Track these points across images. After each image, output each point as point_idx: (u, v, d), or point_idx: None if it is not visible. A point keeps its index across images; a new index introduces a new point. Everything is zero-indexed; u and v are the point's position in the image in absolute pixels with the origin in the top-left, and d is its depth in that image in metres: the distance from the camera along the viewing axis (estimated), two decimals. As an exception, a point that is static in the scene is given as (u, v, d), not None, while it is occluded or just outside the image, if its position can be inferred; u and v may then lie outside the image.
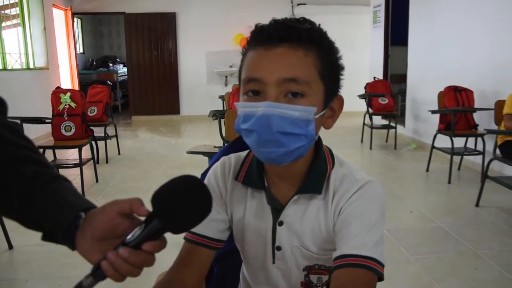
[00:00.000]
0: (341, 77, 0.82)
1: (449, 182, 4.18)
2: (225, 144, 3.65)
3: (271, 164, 0.81)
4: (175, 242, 0.71)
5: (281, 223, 0.85)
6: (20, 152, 0.69)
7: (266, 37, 0.75)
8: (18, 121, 0.75)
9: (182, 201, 0.61)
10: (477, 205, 3.49)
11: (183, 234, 0.85)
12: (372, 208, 0.79)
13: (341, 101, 0.83)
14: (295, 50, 0.74)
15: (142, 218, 0.64)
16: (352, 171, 0.85)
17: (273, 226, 0.85)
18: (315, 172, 0.83)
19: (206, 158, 3.34)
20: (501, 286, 2.29)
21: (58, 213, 0.65)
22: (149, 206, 0.63)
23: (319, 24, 0.79)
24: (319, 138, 0.85)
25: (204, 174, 1.01)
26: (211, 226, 0.86)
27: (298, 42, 0.74)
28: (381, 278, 0.74)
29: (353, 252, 0.74)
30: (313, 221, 0.83)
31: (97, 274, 0.61)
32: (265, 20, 0.79)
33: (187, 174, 0.64)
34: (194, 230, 0.84)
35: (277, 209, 0.85)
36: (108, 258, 0.60)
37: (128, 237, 0.62)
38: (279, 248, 0.86)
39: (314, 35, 0.76)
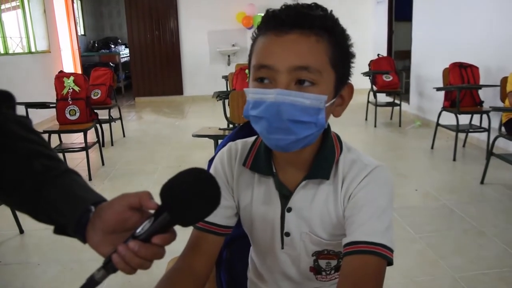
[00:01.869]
0: (352, 65, 0.81)
1: (454, 159, 4.18)
2: (230, 126, 3.67)
3: (279, 151, 0.81)
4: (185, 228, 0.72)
5: (289, 209, 0.85)
6: (30, 147, 0.70)
7: (278, 22, 0.74)
8: (26, 115, 0.75)
9: (191, 194, 0.61)
10: (482, 182, 3.49)
11: None
12: (381, 193, 0.79)
13: (351, 89, 0.82)
14: (307, 37, 0.73)
15: (152, 211, 0.65)
16: (360, 156, 0.85)
17: (282, 212, 0.86)
18: (323, 157, 0.83)
19: (211, 140, 3.35)
20: (505, 263, 2.31)
21: (68, 207, 0.66)
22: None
23: (331, 11, 0.78)
24: (328, 124, 0.85)
25: (212, 161, 1.01)
26: (218, 213, 0.86)
27: (310, 29, 0.73)
28: (390, 263, 0.75)
29: (363, 238, 0.75)
30: (322, 207, 0.83)
31: (108, 267, 0.62)
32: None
33: (196, 167, 0.64)
34: None
35: (285, 195, 0.85)
36: (119, 251, 0.62)
37: (138, 230, 0.63)
38: (287, 234, 0.87)
39: (327, 21, 0.75)
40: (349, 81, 0.82)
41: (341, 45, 0.77)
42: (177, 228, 0.65)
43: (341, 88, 0.79)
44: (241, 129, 1.09)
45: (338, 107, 0.82)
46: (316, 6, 0.76)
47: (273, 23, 0.75)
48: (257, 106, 0.74)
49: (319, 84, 0.73)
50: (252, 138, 0.92)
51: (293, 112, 0.72)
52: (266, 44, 0.75)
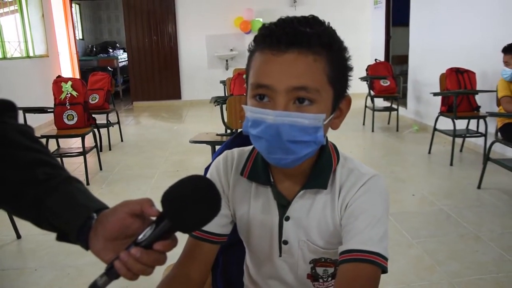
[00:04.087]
0: (350, 77, 0.81)
1: (451, 164, 4.20)
2: (227, 131, 3.68)
3: (280, 167, 0.82)
4: (179, 233, 0.72)
5: (287, 218, 0.86)
6: (33, 156, 0.71)
7: (274, 41, 0.73)
8: (24, 120, 0.76)
9: (191, 201, 0.62)
10: (479, 187, 3.51)
11: None
12: (377, 202, 0.80)
13: (348, 101, 0.83)
14: (304, 56, 0.72)
15: (153, 218, 0.65)
16: (357, 165, 0.86)
17: (280, 221, 0.87)
18: (321, 167, 0.84)
19: (209, 145, 3.36)
20: (501, 268, 2.32)
21: (70, 215, 0.67)
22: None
23: (329, 23, 0.77)
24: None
25: (209, 168, 1.02)
26: (213, 222, 0.86)
27: (308, 48, 0.72)
28: (384, 271, 0.76)
29: (359, 247, 0.76)
30: (319, 216, 0.85)
31: (111, 273, 0.63)
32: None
33: (196, 174, 0.66)
34: None
35: (283, 204, 0.86)
36: (121, 258, 0.62)
37: (140, 237, 0.64)
38: (285, 242, 0.88)
39: (324, 38, 0.74)
40: (347, 94, 0.82)
41: (338, 61, 0.77)
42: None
43: (339, 102, 0.80)
44: (237, 137, 1.09)
45: (336, 120, 0.82)
46: (313, 19, 0.76)
47: (269, 41, 0.73)
48: (256, 126, 0.74)
49: (318, 102, 0.74)
50: (249, 147, 0.92)
51: (293, 133, 0.72)
52: (263, 63, 0.74)
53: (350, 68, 0.80)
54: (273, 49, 0.73)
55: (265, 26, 0.76)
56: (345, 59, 0.79)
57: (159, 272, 0.96)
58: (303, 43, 0.72)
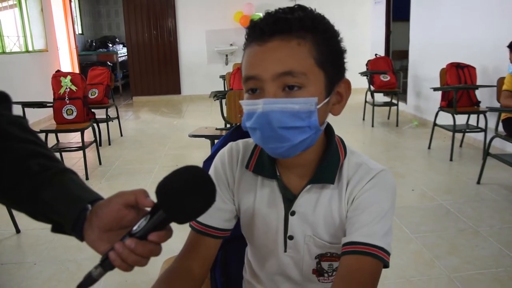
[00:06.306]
0: (344, 60, 0.79)
1: (451, 159, 4.20)
2: (227, 125, 3.67)
3: (279, 158, 0.81)
4: (180, 226, 0.72)
5: (293, 213, 0.85)
6: (27, 147, 0.70)
7: (258, 32, 0.74)
8: (23, 115, 0.76)
9: (186, 191, 0.62)
10: (478, 182, 3.51)
11: None
12: (384, 197, 0.80)
13: (347, 84, 0.81)
14: (287, 42, 0.72)
15: (148, 209, 0.65)
16: (365, 160, 0.85)
17: (285, 216, 0.85)
18: (328, 161, 0.83)
19: (208, 139, 3.36)
20: (500, 263, 2.32)
21: (65, 206, 0.67)
22: (155, 189, 0.63)
23: (315, 9, 0.76)
24: (331, 127, 0.85)
25: (207, 161, 1.01)
26: (217, 216, 0.87)
27: (290, 33, 0.72)
28: (386, 266, 0.76)
29: (363, 240, 0.75)
30: (325, 210, 0.83)
31: (106, 264, 0.63)
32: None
33: (191, 164, 0.65)
34: (200, 219, 0.85)
35: (289, 198, 0.85)
36: (116, 249, 0.62)
37: (134, 228, 0.63)
38: (291, 238, 0.86)
39: (307, 22, 0.73)
40: (345, 77, 0.80)
41: (327, 43, 0.75)
42: (173, 227, 0.65)
43: (334, 86, 0.78)
44: (236, 130, 1.08)
45: (336, 105, 0.80)
46: (299, 7, 0.75)
47: (253, 34, 0.75)
48: (250, 117, 0.74)
49: (307, 86, 0.73)
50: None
51: (283, 119, 0.71)
52: (250, 55, 0.76)
53: (342, 51, 0.79)
54: (258, 41, 0.74)
55: (252, 21, 0.77)
56: (335, 41, 0.78)
57: (157, 266, 0.96)
58: (285, 29, 0.72)
